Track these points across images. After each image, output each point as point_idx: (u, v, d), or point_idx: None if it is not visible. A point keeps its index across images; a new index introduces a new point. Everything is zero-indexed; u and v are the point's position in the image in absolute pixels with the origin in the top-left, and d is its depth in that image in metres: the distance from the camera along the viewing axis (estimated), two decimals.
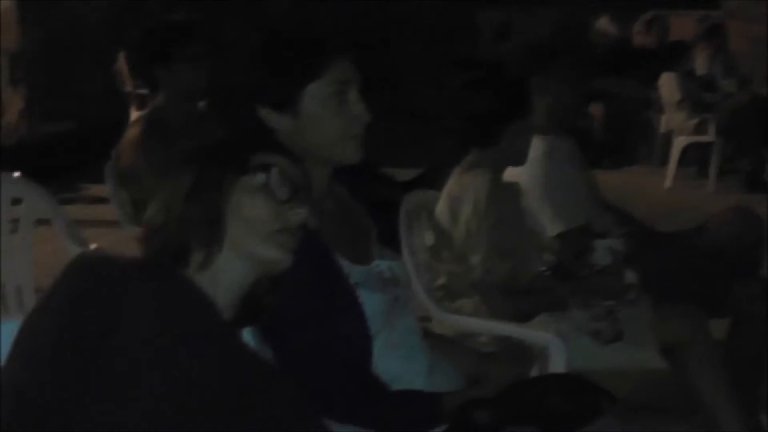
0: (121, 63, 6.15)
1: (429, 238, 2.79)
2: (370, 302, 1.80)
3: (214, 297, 1.44)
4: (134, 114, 4.99)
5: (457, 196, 2.70)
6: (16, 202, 2.94)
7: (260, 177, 1.47)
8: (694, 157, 7.23)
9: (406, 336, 1.90)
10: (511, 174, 2.87)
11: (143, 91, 4.52)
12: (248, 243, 1.46)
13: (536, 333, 2.47)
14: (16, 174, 3.04)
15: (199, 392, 1.34)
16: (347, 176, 1.92)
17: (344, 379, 1.72)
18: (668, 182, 7.06)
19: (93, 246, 2.98)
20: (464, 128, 2.79)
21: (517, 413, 1.63)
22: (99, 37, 8.32)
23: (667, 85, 7.29)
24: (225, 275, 1.46)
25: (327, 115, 1.78)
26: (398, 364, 1.86)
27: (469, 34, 10.23)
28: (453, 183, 2.76)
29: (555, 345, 2.34)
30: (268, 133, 1.74)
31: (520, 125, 2.74)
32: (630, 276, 2.76)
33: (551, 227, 3.06)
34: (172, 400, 1.31)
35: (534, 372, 2.25)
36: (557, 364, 2.30)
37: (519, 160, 2.83)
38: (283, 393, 1.46)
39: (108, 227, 4.32)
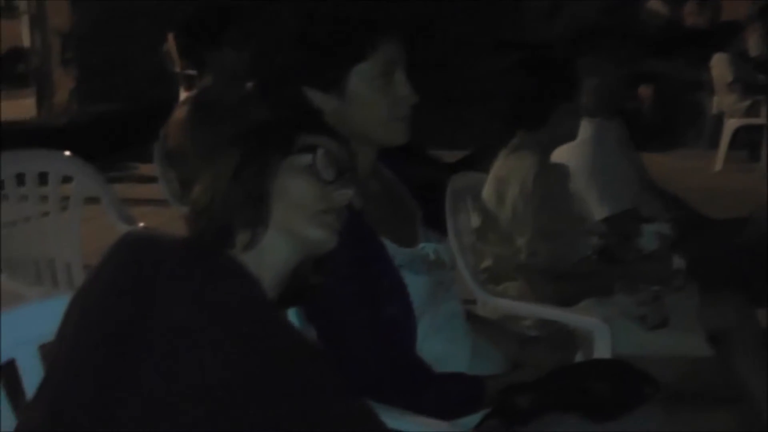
0: (170, 44, 6.19)
1: (475, 220, 2.78)
2: (415, 284, 1.80)
3: (259, 277, 1.45)
4: (182, 95, 5.03)
5: (504, 178, 2.69)
6: (66, 180, 2.98)
7: (306, 157, 1.48)
8: (745, 140, 7.12)
9: (449, 319, 1.90)
10: (558, 156, 2.85)
11: (191, 72, 4.54)
12: (293, 223, 1.46)
13: (581, 317, 2.45)
14: (67, 153, 3.08)
15: (243, 370, 1.35)
16: (393, 158, 1.92)
17: (388, 361, 1.73)
18: (718, 165, 6.96)
19: (141, 224, 3.02)
20: (511, 110, 2.77)
21: (559, 399, 1.63)
22: (148, 19, 8.38)
23: (719, 66, 7.17)
24: (270, 255, 1.47)
25: (373, 97, 1.78)
26: (442, 346, 1.86)
27: (518, 14, 10.14)
28: (500, 165, 2.74)
29: (600, 330, 2.33)
30: (315, 113, 1.74)
31: (568, 107, 2.71)
32: (677, 261, 2.73)
33: (598, 211, 3.04)
34: (217, 378, 1.32)
35: (578, 357, 2.24)
36: (602, 350, 2.28)
37: (566, 142, 2.81)
38: (326, 373, 1.47)
39: (156, 206, 4.38)
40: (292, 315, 1.65)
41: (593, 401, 1.61)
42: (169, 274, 1.35)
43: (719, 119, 7.25)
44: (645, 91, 7.55)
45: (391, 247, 1.80)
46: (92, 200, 3.03)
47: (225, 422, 1.31)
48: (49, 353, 1.37)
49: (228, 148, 1.50)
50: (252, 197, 1.45)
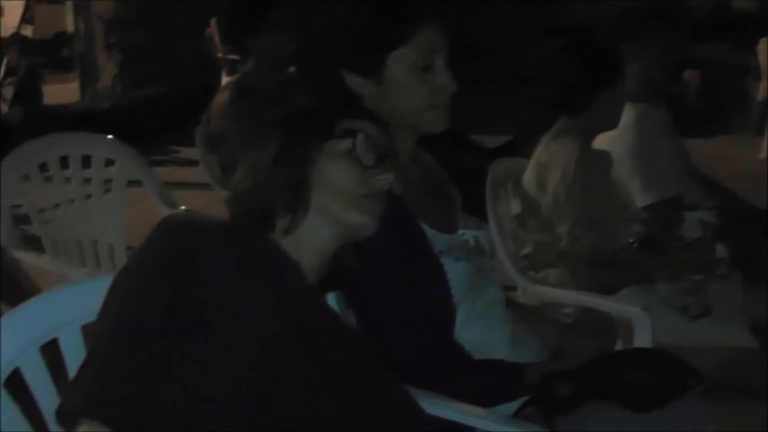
0: (213, 29, 6.23)
1: (516, 207, 2.77)
2: (454, 271, 1.80)
3: (298, 261, 1.45)
4: (225, 79, 5.07)
5: (546, 164, 2.67)
6: (110, 163, 3.00)
7: (346, 142, 1.47)
8: None
9: (489, 305, 1.89)
10: (601, 142, 2.82)
11: (234, 57, 4.57)
12: (333, 208, 1.46)
13: (622, 306, 2.43)
14: (110, 136, 3.11)
15: (283, 354, 1.35)
16: (434, 143, 1.91)
17: (426, 346, 1.73)
18: (764, 152, 6.86)
19: (182, 207, 3.04)
20: (554, 95, 2.74)
21: (599, 388, 1.62)
22: (191, 3, 8.43)
23: (767, 51, 7.06)
24: (310, 240, 1.47)
25: (411, 83, 1.77)
26: (481, 333, 1.86)
27: None
28: (541, 151, 2.72)
29: (640, 319, 2.30)
30: (355, 98, 1.73)
31: (612, 92, 2.68)
32: (720, 250, 2.70)
33: (640, 198, 3.01)
34: (257, 361, 1.33)
35: (618, 346, 2.23)
36: (642, 339, 2.26)
37: (610, 128, 2.78)
38: (365, 358, 1.47)
39: (198, 189, 4.41)
40: (332, 299, 1.65)
41: (634, 391, 1.59)
42: (211, 256, 1.36)
43: (766, 105, 7.14)
44: (691, 76, 7.46)
45: (431, 233, 1.80)
46: (135, 183, 3.05)
47: (264, 403, 1.32)
48: (90, 333, 1.39)
49: (269, 133, 1.50)
50: (292, 182, 1.45)
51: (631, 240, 2.78)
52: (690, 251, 2.76)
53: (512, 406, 1.76)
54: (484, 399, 1.73)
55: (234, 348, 1.32)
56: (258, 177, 1.46)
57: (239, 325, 1.34)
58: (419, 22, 1.76)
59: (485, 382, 1.76)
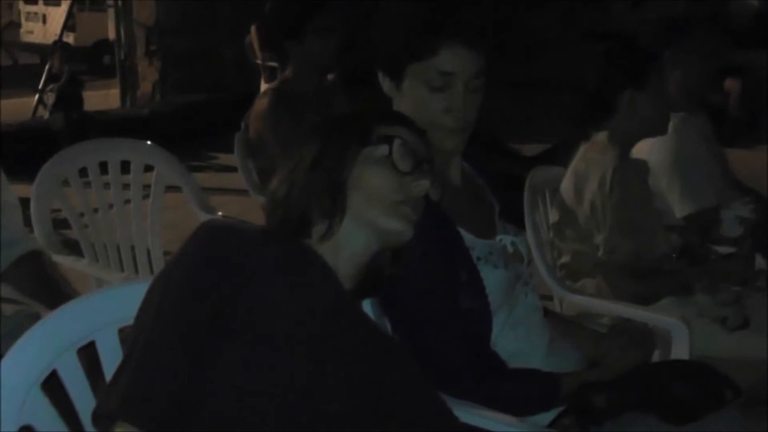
0: (253, 36, 6.26)
1: (553, 216, 2.75)
2: (492, 278, 1.79)
3: (335, 267, 1.46)
4: (263, 86, 5.09)
5: (583, 173, 2.64)
6: (149, 169, 3.03)
7: (383, 148, 1.48)
8: None
9: (527, 313, 1.88)
10: (640, 151, 2.79)
11: (273, 63, 4.60)
12: (370, 214, 1.46)
13: (659, 317, 2.40)
14: (149, 142, 3.14)
15: (319, 361, 1.36)
16: (473, 151, 1.90)
17: (462, 354, 1.72)
18: None
19: (220, 213, 3.06)
20: (594, 102, 2.72)
21: (636, 399, 1.60)
22: (231, 11, 8.49)
23: None
24: (346, 247, 1.47)
25: (421, 98, 1.77)
26: (518, 341, 1.85)
27: (603, 4, 10.00)
28: (579, 159, 2.70)
29: (678, 330, 2.28)
30: (388, 103, 1.74)
31: (652, 100, 2.66)
32: (760, 262, 2.66)
33: (679, 208, 2.98)
34: (293, 367, 1.33)
35: (656, 357, 2.20)
36: (680, 350, 2.24)
37: (646, 135, 2.76)
38: (400, 366, 1.47)
39: (236, 195, 4.44)
40: (367, 306, 1.65)
41: (671, 403, 1.58)
42: (247, 263, 1.37)
43: None
44: (732, 84, 7.38)
45: (469, 239, 1.79)
46: (173, 189, 3.07)
47: (301, 407, 1.32)
48: (127, 337, 1.39)
49: (307, 139, 1.51)
50: (330, 187, 1.46)
51: (669, 250, 2.75)
52: (729, 262, 2.73)
53: (548, 416, 1.75)
54: (521, 408, 1.71)
55: (273, 352, 1.33)
56: (296, 183, 1.47)
57: (278, 330, 1.34)
58: (439, 41, 1.73)
59: (522, 391, 1.75)
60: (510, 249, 1.86)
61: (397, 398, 1.42)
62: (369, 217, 1.47)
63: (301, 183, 1.47)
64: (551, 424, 1.74)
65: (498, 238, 1.86)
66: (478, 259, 1.80)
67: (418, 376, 1.48)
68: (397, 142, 1.49)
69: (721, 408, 1.58)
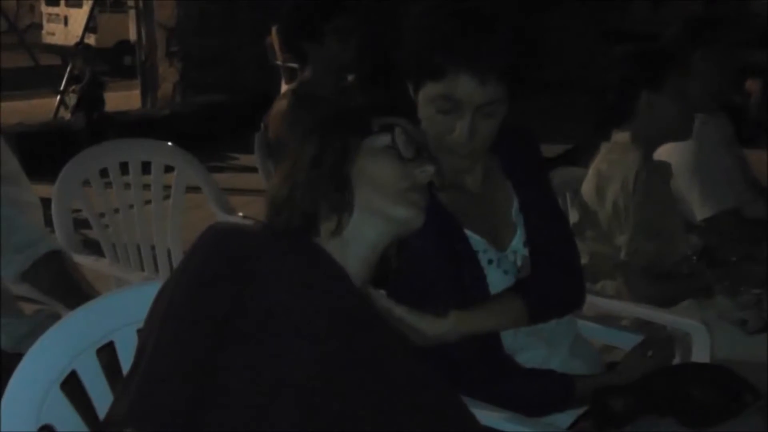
0: (273, 37, 6.28)
1: (573, 216, 2.74)
2: (503, 283, 1.79)
3: (345, 264, 1.44)
4: (284, 87, 5.09)
5: (605, 174, 2.63)
6: (169, 169, 3.04)
7: (384, 137, 1.47)
8: None
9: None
10: (660, 153, 2.78)
11: (293, 64, 4.60)
12: (379, 204, 1.45)
13: (680, 319, 2.39)
14: (169, 143, 3.15)
15: (332, 361, 1.35)
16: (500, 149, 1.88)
17: (470, 353, 1.72)
18: None
19: (240, 214, 3.07)
20: (615, 103, 2.71)
21: (655, 403, 1.59)
22: (251, 12, 8.51)
23: None
24: (356, 241, 1.46)
25: (427, 116, 1.74)
26: (537, 345, 1.84)
27: (623, 5, 9.97)
28: (601, 160, 2.69)
29: (698, 332, 2.27)
30: (390, 97, 1.73)
31: (671, 102, 2.64)
32: None
33: (700, 210, 2.96)
34: (306, 369, 1.32)
35: (675, 360, 2.19)
36: (700, 353, 2.22)
37: (669, 137, 2.74)
38: (414, 362, 1.46)
39: (255, 196, 4.43)
40: None
41: (691, 407, 1.57)
42: (257, 264, 1.36)
43: None
44: (753, 85, 7.32)
45: (479, 242, 1.79)
46: (193, 189, 3.08)
47: (316, 412, 1.31)
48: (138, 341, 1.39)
49: (306, 136, 1.50)
50: (334, 182, 1.45)
51: (689, 252, 2.74)
52: (749, 264, 2.71)
53: (566, 420, 1.74)
54: (533, 407, 1.71)
55: (285, 354, 1.32)
56: (298, 182, 1.46)
57: (289, 332, 1.33)
58: (445, 67, 1.69)
59: (535, 389, 1.74)
60: (519, 262, 1.84)
61: (415, 399, 1.41)
62: (378, 208, 1.46)
63: (303, 181, 1.46)
64: (570, 428, 1.73)
65: (510, 249, 1.84)
66: (490, 261, 1.79)
67: (430, 371, 1.47)
68: (398, 130, 1.48)
69: (740, 412, 1.57)
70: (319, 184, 1.45)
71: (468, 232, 1.78)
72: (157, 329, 1.33)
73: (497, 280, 1.78)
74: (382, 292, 1.59)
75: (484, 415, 1.60)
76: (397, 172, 1.46)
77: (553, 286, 1.80)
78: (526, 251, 1.85)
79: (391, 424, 1.37)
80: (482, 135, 1.73)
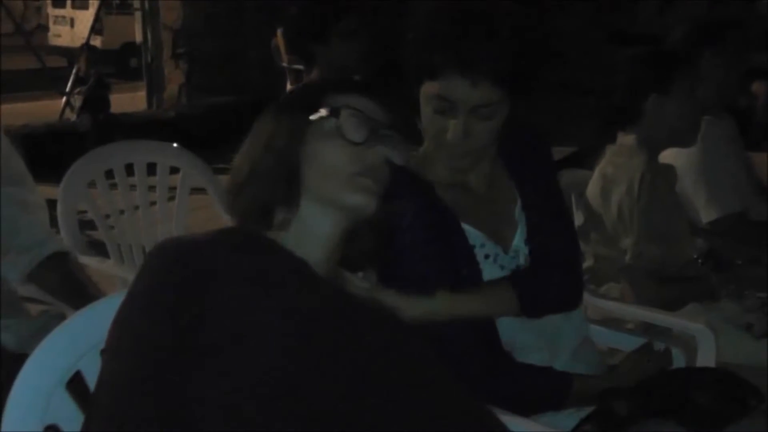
0: (279, 39, 6.27)
1: (578, 219, 2.74)
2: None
3: (305, 254, 1.39)
4: (289, 88, 5.09)
5: (611, 177, 2.63)
6: (174, 171, 3.04)
7: (331, 121, 1.41)
8: None
9: (552, 319, 1.86)
10: (665, 156, 2.78)
11: (299, 66, 4.59)
12: (327, 191, 1.40)
13: (685, 322, 2.39)
14: (175, 144, 3.15)
15: (306, 359, 1.30)
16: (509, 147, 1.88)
17: (469, 339, 1.72)
18: None
19: None
20: (621, 105, 2.71)
21: (658, 406, 1.59)
22: (257, 14, 8.52)
23: None
24: (311, 230, 1.41)
25: (426, 115, 1.75)
26: (541, 344, 1.84)
27: (630, 7, 9.97)
28: (607, 163, 2.69)
29: (704, 336, 2.26)
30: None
31: (678, 105, 2.64)
32: None
33: (705, 213, 2.96)
34: (280, 371, 1.28)
35: (680, 363, 2.18)
36: (706, 357, 2.22)
37: (676, 141, 2.74)
38: (409, 351, 1.42)
39: None
40: None
41: (693, 411, 1.56)
42: (211, 274, 1.30)
43: None
44: (759, 88, 7.31)
45: (477, 236, 1.79)
46: (199, 191, 3.09)
47: (298, 413, 1.27)
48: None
49: (264, 117, 1.46)
50: (284, 168, 1.39)
51: (695, 256, 2.74)
52: (755, 268, 2.71)
53: (570, 423, 1.73)
54: (528, 403, 1.71)
55: (256, 359, 1.27)
56: (253, 165, 1.41)
57: (256, 335, 1.29)
58: (438, 67, 1.69)
59: (531, 385, 1.74)
60: (523, 261, 1.84)
61: (401, 382, 1.36)
62: (327, 195, 1.40)
63: (258, 165, 1.41)
64: (573, 431, 1.73)
65: (513, 248, 1.84)
66: (487, 256, 1.79)
67: (432, 361, 1.43)
68: (345, 112, 1.41)
69: (744, 416, 1.57)
70: (269, 170, 1.40)
71: (465, 226, 1.78)
72: (114, 363, 1.28)
73: (493, 276, 1.78)
74: (360, 274, 1.57)
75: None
76: (344, 156, 1.39)
77: (549, 280, 1.80)
78: (527, 249, 1.85)
79: (382, 417, 1.32)
80: (478, 136, 1.73)
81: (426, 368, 1.43)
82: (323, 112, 1.42)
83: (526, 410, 1.70)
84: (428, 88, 1.73)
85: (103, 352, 1.29)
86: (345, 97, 1.44)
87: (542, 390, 1.75)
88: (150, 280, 1.31)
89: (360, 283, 1.54)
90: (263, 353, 1.28)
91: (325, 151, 1.40)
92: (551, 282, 1.81)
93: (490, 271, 1.78)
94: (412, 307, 1.59)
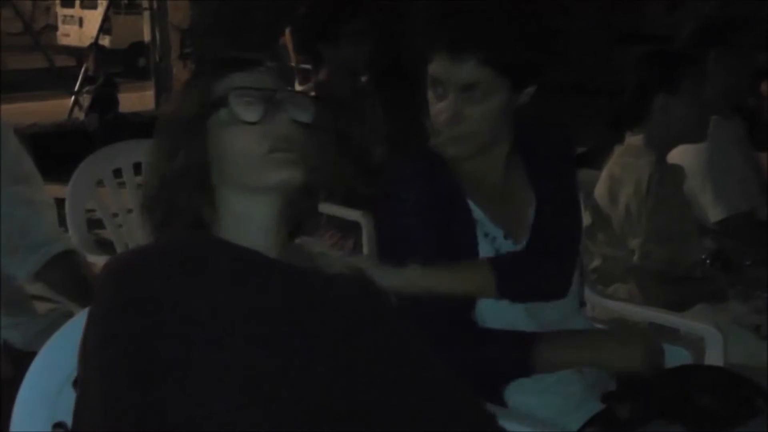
0: (287, 39, 6.28)
1: (586, 219, 2.73)
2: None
3: (252, 244, 1.35)
4: (297, 88, 5.09)
5: (618, 177, 2.63)
6: None
7: (222, 111, 1.36)
8: None
9: (558, 322, 1.86)
10: (672, 155, 2.77)
11: (307, 66, 4.60)
12: (248, 178, 1.35)
13: (693, 323, 2.38)
14: None
15: (276, 353, 1.28)
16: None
17: (444, 313, 1.72)
18: None
19: None
20: (627, 106, 2.70)
21: (663, 408, 1.57)
22: (265, 13, 8.52)
23: None
24: (248, 219, 1.37)
25: (430, 106, 1.78)
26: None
27: (638, 7, 9.95)
28: (614, 163, 2.68)
29: (712, 337, 2.25)
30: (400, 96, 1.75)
31: (686, 105, 2.63)
32: None
33: (713, 213, 2.95)
34: (253, 370, 1.25)
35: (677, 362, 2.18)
36: (714, 357, 2.21)
37: (683, 141, 2.73)
38: (370, 307, 1.40)
39: None
40: None
41: (699, 413, 1.55)
42: (159, 287, 1.26)
43: None
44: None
45: (479, 214, 1.79)
46: None
47: (278, 411, 1.24)
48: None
49: (159, 129, 1.41)
50: (192, 169, 1.35)
51: (703, 256, 2.73)
52: (763, 269, 2.70)
53: (574, 425, 1.72)
54: (495, 368, 1.69)
55: (228, 360, 1.24)
56: (161, 181, 1.37)
57: (218, 334, 1.25)
58: (431, 49, 1.73)
59: (492, 348, 1.72)
60: None
61: (383, 367, 1.33)
62: (248, 182, 1.35)
63: (168, 175, 1.37)
64: None
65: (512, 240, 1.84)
66: (486, 235, 1.79)
67: (409, 339, 1.40)
68: (232, 97, 1.35)
69: (752, 418, 1.55)
70: (181, 176, 1.36)
71: (471, 203, 1.79)
72: (88, 396, 1.24)
73: (487, 254, 1.78)
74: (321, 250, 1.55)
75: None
76: (249, 140, 1.34)
77: (532, 266, 1.78)
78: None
79: (366, 407, 1.29)
80: (471, 120, 1.74)
81: (402, 347, 1.39)
82: (213, 104, 1.36)
83: (495, 378, 1.68)
84: (428, 74, 1.76)
85: (75, 384, 1.26)
86: (229, 80, 1.39)
87: (505, 351, 1.72)
88: (106, 306, 1.27)
89: (328, 253, 1.53)
90: (236, 353, 1.25)
91: (229, 141, 1.35)
92: (536, 268, 1.78)
93: (486, 251, 1.78)
94: (384, 277, 1.57)
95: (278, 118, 1.36)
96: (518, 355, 1.70)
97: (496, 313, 1.77)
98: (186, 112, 1.39)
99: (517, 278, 1.75)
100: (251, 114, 1.35)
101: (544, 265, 1.79)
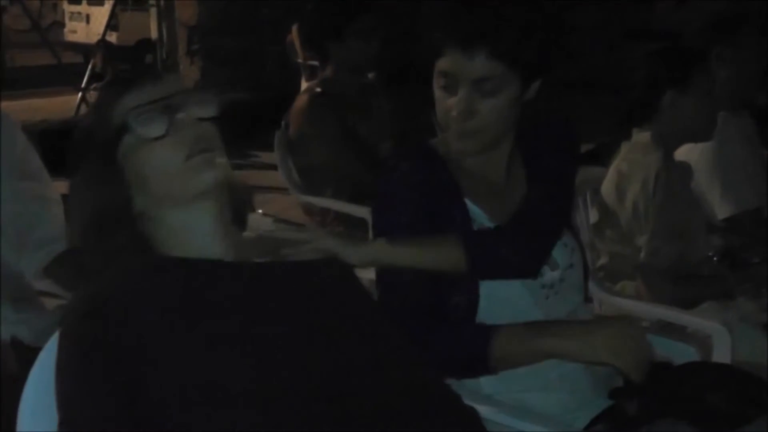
0: (294, 35, 6.29)
1: (593, 216, 2.73)
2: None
3: (206, 254, 1.33)
4: (304, 85, 5.10)
5: (626, 174, 2.62)
6: None
7: (127, 138, 1.33)
8: None
9: (544, 314, 1.84)
10: (680, 152, 2.77)
11: (314, 62, 4.60)
12: (177, 192, 1.33)
13: (701, 320, 2.38)
14: None
15: (256, 336, 1.27)
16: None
17: (419, 302, 1.71)
18: None
19: (259, 211, 3.06)
20: (636, 103, 2.70)
21: (671, 406, 1.57)
22: (272, 10, 8.53)
23: None
24: (193, 233, 1.35)
25: (437, 101, 1.77)
26: None
27: (647, 3, 9.92)
28: (622, 159, 2.68)
29: (720, 334, 2.25)
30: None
31: (695, 102, 2.63)
32: None
33: (720, 209, 2.95)
34: (241, 377, 1.24)
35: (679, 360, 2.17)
36: (722, 355, 2.20)
37: (691, 137, 2.73)
38: (343, 300, 1.39)
39: (276, 193, 4.46)
40: None
41: (707, 411, 1.54)
42: (129, 332, 1.23)
43: None
44: None
45: (477, 212, 1.79)
46: None
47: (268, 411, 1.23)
48: None
49: (74, 180, 1.39)
50: (117, 203, 1.33)
51: (711, 253, 2.72)
52: None
53: (580, 423, 1.72)
54: (451, 363, 1.66)
55: (219, 369, 1.23)
56: (95, 207, 1.34)
57: (199, 351, 1.23)
58: (441, 43, 1.73)
59: (451, 341, 1.69)
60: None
61: (363, 359, 1.32)
62: (178, 196, 1.33)
63: (98, 208, 1.33)
64: (584, 431, 1.72)
65: None
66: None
67: (385, 328, 1.39)
68: (130, 118, 1.32)
69: (760, 416, 1.55)
70: (110, 207, 1.32)
71: (468, 202, 1.79)
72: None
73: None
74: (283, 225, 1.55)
75: (500, 415, 1.59)
76: (164, 155, 1.32)
77: (503, 242, 1.73)
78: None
79: (346, 412, 1.26)
80: (482, 115, 1.73)
81: (374, 336, 1.38)
82: (117, 135, 1.33)
83: (451, 368, 1.65)
84: (436, 68, 1.75)
85: (60, 426, 1.24)
86: (124, 102, 1.35)
87: (465, 344, 1.69)
88: (72, 359, 1.23)
89: (297, 236, 1.52)
90: (212, 364, 1.23)
91: (144, 163, 1.32)
92: (506, 244, 1.74)
93: None
94: (352, 253, 1.58)
95: (183, 122, 1.33)
96: (477, 350, 1.67)
97: (503, 306, 1.76)
98: (94, 153, 1.35)
99: (487, 253, 1.72)
100: (155, 129, 1.32)
101: (513, 243, 1.75)
